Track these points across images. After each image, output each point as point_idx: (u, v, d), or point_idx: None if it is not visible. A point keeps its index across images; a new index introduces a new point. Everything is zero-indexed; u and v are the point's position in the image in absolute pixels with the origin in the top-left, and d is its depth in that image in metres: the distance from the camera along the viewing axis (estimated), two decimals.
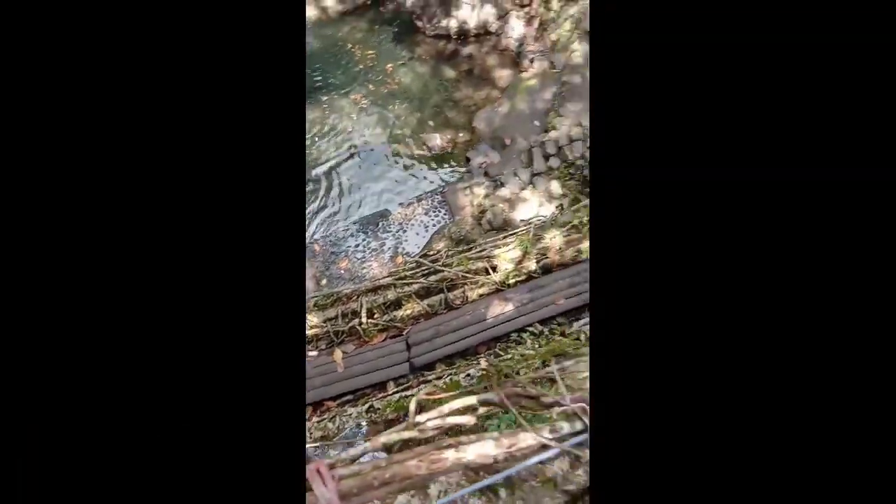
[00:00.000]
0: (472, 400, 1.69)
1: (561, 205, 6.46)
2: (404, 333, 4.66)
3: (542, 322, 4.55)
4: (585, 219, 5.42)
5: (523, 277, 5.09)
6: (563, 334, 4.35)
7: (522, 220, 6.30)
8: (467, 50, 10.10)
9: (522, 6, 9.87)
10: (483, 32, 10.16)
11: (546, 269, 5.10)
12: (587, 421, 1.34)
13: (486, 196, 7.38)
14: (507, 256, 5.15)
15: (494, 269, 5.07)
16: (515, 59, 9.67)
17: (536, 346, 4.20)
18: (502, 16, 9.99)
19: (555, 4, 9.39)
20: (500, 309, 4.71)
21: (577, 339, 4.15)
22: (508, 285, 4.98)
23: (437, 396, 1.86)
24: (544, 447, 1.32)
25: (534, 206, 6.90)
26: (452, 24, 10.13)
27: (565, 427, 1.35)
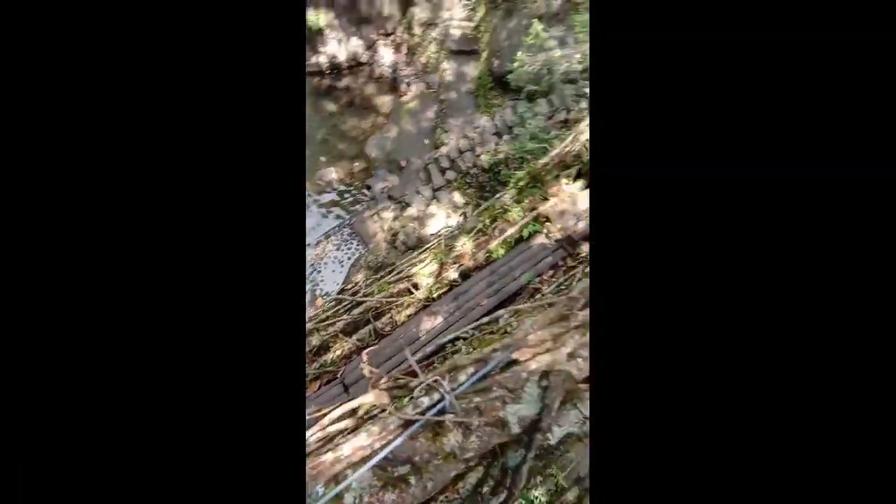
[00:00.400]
0: (350, 405, 1.73)
1: (464, 213, 6.80)
2: (339, 376, 4.48)
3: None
4: (488, 221, 5.78)
5: (446, 288, 5.23)
6: (492, 332, 4.56)
7: (432, 235, 6.50)
8: (343, 83, 10.22)
9: (387, 35, 10.32)
10: (355, 64, 10.38)
11: (464, 275, 5.32)
12: (443, 390, 1.50)
13: (395, 218, 7.48)
14: (425, 272, 5.26)
15: (416, 286, 5.15)
16: (393, 85, 10.04)
17: (471, 349, 4.34)
18: (370, 46, 10.33)
19: (417, 30, 9.99)
20: (431, 323, 4.78)
21: (505, 332, 4.38)
22: (433, 299, 5.08)
23: (319, 413, 1.84)
24: (410, 423, 1.45)
25: (442, 218, 7.16)
26: (322, 59, 10.19)
27: (426, 401, 1.49)
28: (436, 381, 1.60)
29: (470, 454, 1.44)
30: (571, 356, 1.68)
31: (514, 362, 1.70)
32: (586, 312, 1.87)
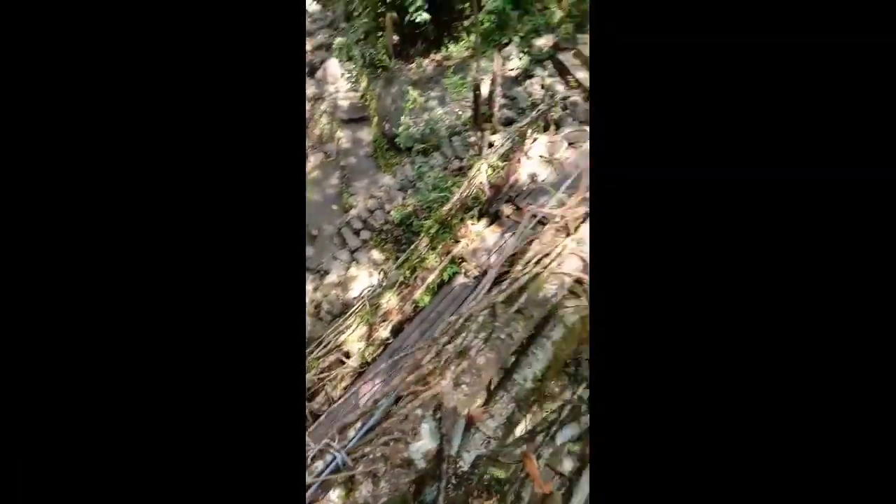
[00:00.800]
0: None
1: (382, 269, 6.86)
2: None
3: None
4: (409, 272, 5.90)
5: (380, 349, 5.14)
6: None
7: (356, 298, 6.41)
8: None
9: None
10: None
11: (396, 331, 5.29)
12: (332, 450, 1.57)
13: (316, 289, 7.25)
14: (354, 337, 5.13)
15: (348, 355, 4.98)
16: None
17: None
18: None
19: (306, 105, 10.32)
20: (370, 389, 4.61)
21: None
22: (368, 363, 4.94)
23: None
24: (308, 486, 1.50)
25: (365, 278, 7.12)
26: None
27: (319, 465, 1.56)
28: (325, 444, 1.62)
29: (384, 500, 1.45)
30: (456, 384, 1.79)
31: (404, 405, 1.76)
32: (456, 342, 2.01)
